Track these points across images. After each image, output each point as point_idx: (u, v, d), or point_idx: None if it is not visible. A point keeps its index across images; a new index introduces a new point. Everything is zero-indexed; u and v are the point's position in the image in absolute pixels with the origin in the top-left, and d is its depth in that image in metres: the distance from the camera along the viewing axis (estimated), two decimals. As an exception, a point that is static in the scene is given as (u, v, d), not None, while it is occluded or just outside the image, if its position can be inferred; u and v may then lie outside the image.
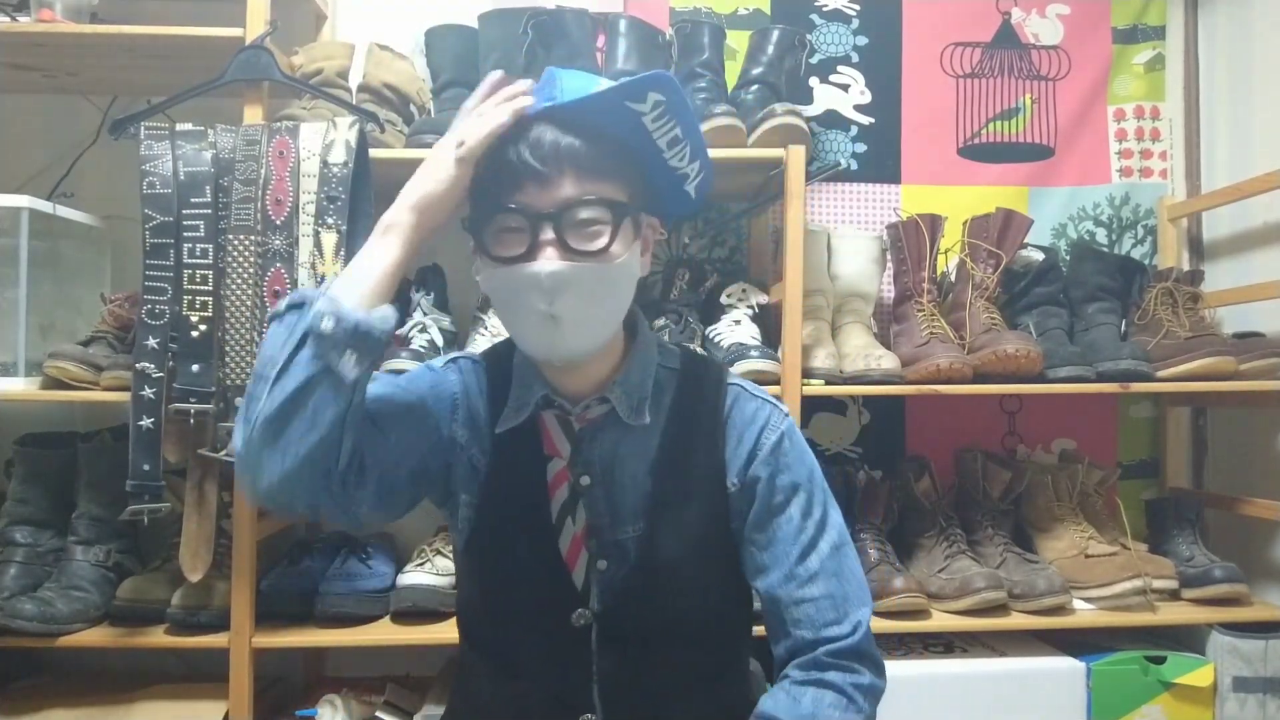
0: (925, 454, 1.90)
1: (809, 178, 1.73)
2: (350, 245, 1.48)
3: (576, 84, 0.99)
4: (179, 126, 1.51)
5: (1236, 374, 1.72)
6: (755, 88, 1.79)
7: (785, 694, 0.99)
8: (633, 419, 1.02)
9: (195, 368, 1.45)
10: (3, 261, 1.62)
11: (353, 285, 0.94)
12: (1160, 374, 1.74)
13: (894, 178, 2.06)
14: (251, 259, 1.46)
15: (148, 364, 1.44)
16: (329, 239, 1.47)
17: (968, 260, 1.84)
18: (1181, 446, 2.06)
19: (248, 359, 1.45)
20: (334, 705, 1.61)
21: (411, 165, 1.62)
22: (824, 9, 2.06)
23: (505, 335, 1.66)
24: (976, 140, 2.08)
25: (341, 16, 1.99)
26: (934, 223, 1.83)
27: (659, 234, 1.08)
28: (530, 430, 1.05)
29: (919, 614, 1.65)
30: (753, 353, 1.62)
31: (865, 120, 2.06)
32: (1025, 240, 1.86)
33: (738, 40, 1.97)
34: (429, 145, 1.62)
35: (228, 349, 1.45)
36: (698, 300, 1.80)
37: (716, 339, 1.73)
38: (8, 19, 1.63)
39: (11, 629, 1.51)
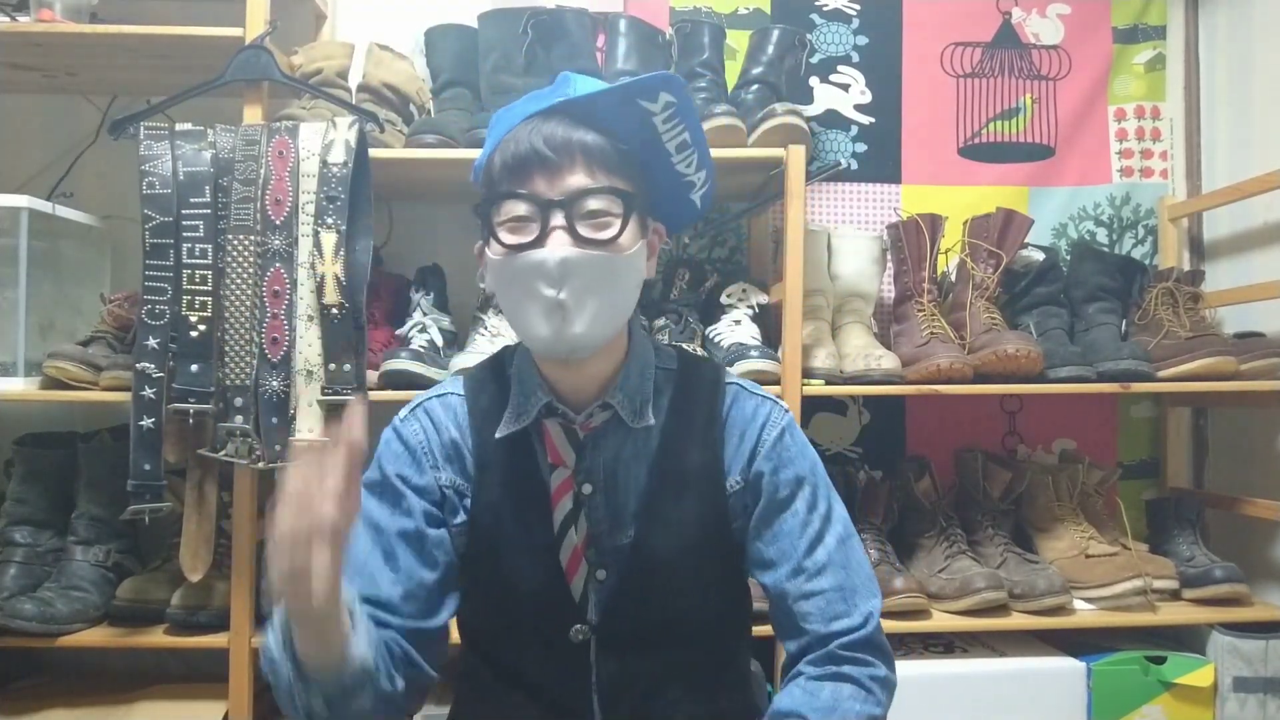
0: (925, 454, 1.89)
1: (809, 178, 1.73)
2: (349, 245, 1.48)
3: (591, 84, 1.00)
4: (179, 126, 1.51)
5: (1237, 374, 1.72)
6: (755, 87, 1.78)
7: (801, 690, 0.98)
8: (636, 421, 1.01)
9: (195, 368, 1.45)
10: (3, 261, 1.62)
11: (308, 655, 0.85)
12: (1161, 374, 1.74)
13: (894, 178, 2.06)
14: (251, 259, 1.46)
15: (148, 364, 1.44)
16: (328, 239, 1.47)
17: (968, 260, 1.84)
18: (1182, 446, 2.05)
19: (247, 359, 1.45)
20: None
21: (411, 165, 1.65)
22: (824, 9, 2.06)
23: (505, 336, 1.68)
24: (977, 140, 2.08)
25: (341, 16, 1.99)
26: (934, 223, 1.82)
27: (664, 240, 1.08)
28: (532, 439, 1.03)
29: (919, 614, 1.65)
30: (753, 353, 1.62)
31: (865, 120, 2.06)
32: (1026, 240, 1.86)
33: (738, 40, 1.97)
34: (429, 145, 1.63)
35: (227, 349, 1.45)
36: (698, 300, 1.80)
37: (716, 339, 1.73)
38: (8, 19, 1.63)
39: (11, 629, 1.51)
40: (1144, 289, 1.89)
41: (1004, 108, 2.09)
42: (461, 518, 1.03)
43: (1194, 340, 1.75)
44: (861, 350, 1.71)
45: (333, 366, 1.46)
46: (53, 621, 1.52)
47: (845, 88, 2.06)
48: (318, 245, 1.47)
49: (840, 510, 1.05)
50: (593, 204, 0.95)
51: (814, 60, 2.00)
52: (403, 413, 1.07)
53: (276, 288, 1.46)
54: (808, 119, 1.75)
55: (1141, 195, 2.09)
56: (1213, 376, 1.72)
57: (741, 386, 1.08)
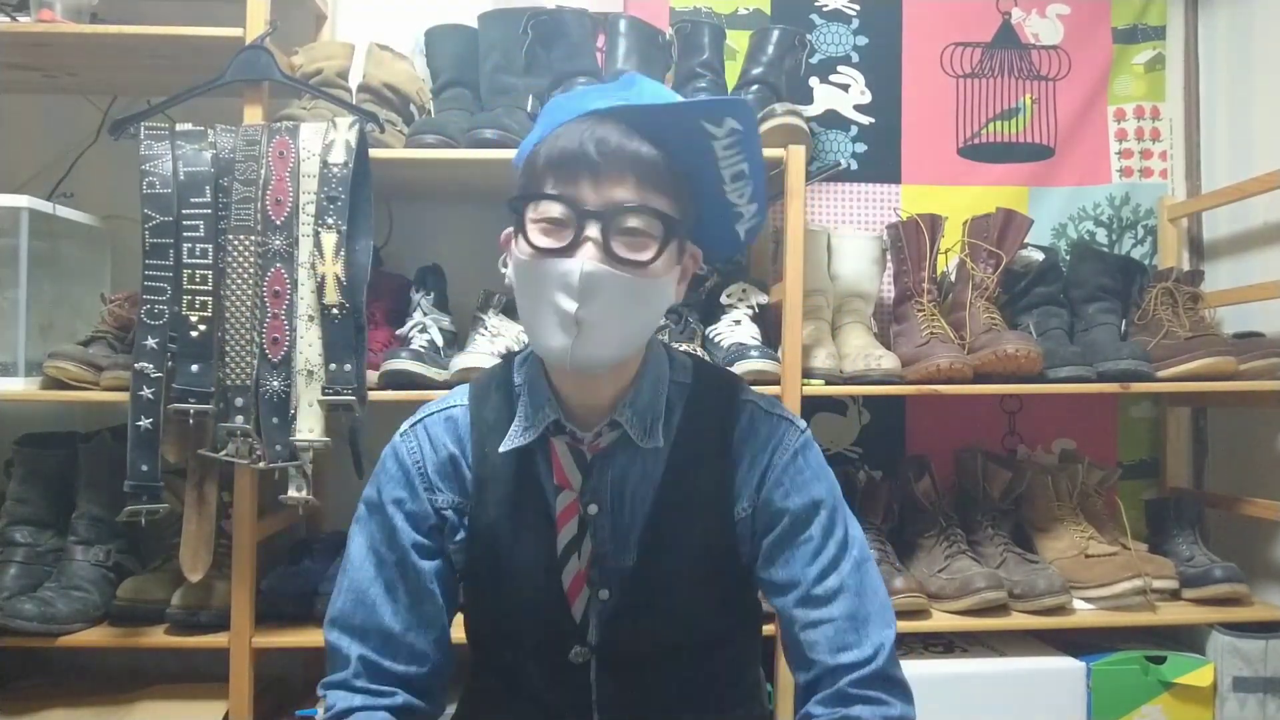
0: (925, 454, 1.89)
1: (809, 178, 1.73)
2: (350, 245, 1.48)
3: (655, 91, 0.95)
4: (179, 126, 1.51)
5: (1236, 374, 1.72)
6: (755, 88, 1.79)
7: None
8: (645, 441, 0.97)
9: (195, 368, 1.45)
10: (3, 261, 1.62)
11: None
12: (1160, 374, 1.74)
13: (894, 178, 2.06)
14: (251, 259, 1.46)
15: (146, 364, 1.44)
16: (329, 239, 1.47)
17: (968, 260, 1.84)
18: (1181, 446, 2.05)
19: (248, 359, 1.45)
20: (334, 705, 1.61)
21: (411, 165, 1.65)
22: (824, 9, 2.06)
23: (506, 336, 1.68)
24: (976, 140, 2.08)
25: (341, 16, 1.99)
26: (934, 223, 1.83)
27: (699, 266, 1.03)
28: (536, 456, 0.99)
29: (919, 614, 1.65)
30: (753, 353, 1.62)
31: (865, 120, 2.06)
32: (1025, 240, 1.86)
33: (738, 40, 1.97)
34: (429, 145, 1.63)
35: (227, 349, 1.45)
36: (698, 300, 1.80)
37: (716, 339, 1.73)
38: (8, 19, 1.63)
39: (11, 629, 1.51)
40: (1144, 289, 1.89)
41: (1004, 108, 2.09)
42: (461, 535, 1.00)
43: (1194, 340, 1.75)
44: (861, 350, 1.71)
45: (333, 366, 1.46)
46: (53, 621, 1.52)
47: (845, 88, 2.06)
48: (318, 245, 1.47)
49: (857, 533, 1.00)
50: (633, 221, 0.89)
51: (814, 60, 2.00)
52: (404, 427, 1.04)
53: (277, 288, 1.46)
54: (808, 119, 1.75)
55: (1141, 195, 2.09)
56: (1212, 376, 1.72)
57: (757, 405, 1.03)
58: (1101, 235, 2.08)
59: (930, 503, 1.81)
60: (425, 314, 1.74)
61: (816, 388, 1.66)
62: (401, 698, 0.96)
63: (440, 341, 1.70)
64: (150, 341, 1.44)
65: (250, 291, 1.45)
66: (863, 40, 2.07)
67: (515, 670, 1.03)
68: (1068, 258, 1.96)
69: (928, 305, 1.79)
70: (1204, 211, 2.05)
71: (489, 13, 1.78)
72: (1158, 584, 1.71)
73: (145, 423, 1.44)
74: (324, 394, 1.46)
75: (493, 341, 1.65)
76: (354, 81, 1.76)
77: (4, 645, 1.53)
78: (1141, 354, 1.73)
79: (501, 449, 0.98)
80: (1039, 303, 1.86)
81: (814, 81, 2.05)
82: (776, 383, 1.61)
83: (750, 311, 1.77)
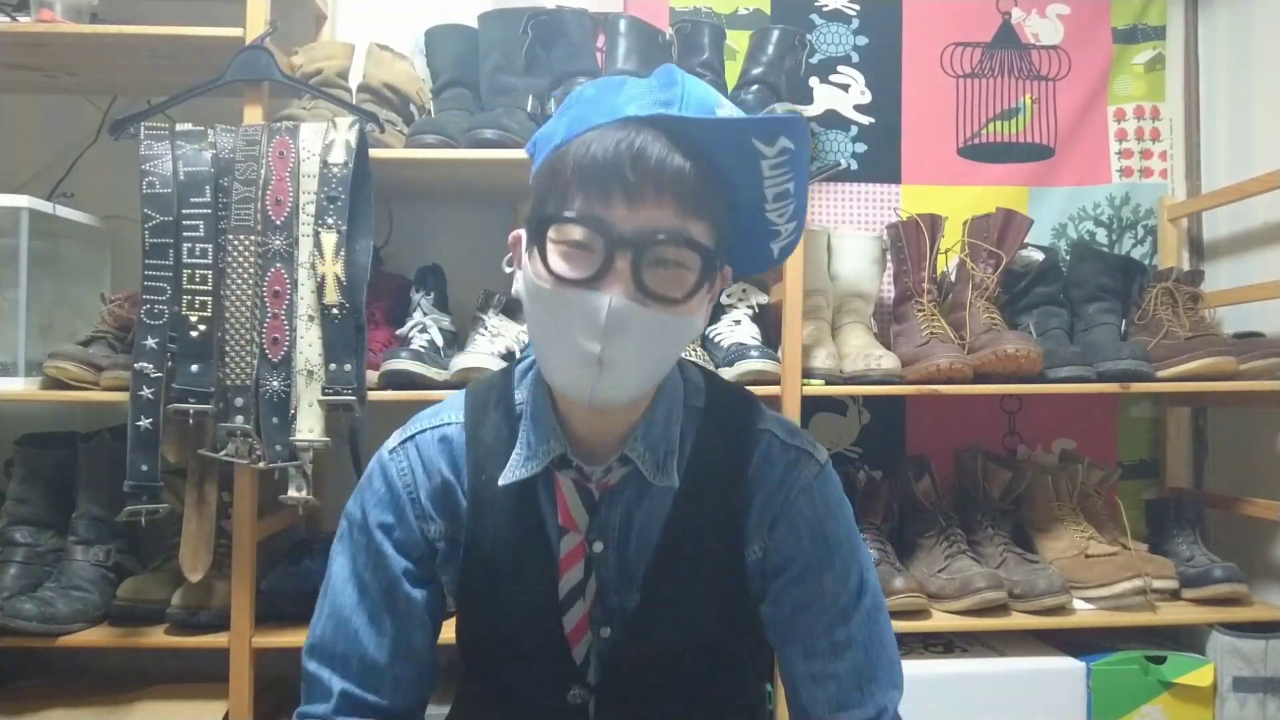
0: (925, 454, 1.89)
1: (809, 178, 1.73)
2: (350, 245, 1.48)
3: (700, 95, 0.83)
4: (179, 126, 1.51)
5: (1236, 374, 1.72)
6: (755, 88, 1.78)
7: None
8: (659, 479, 0.89)
9: (194, 368, 1.45)
10: (3, 261, 1.62)
11: None
12: (1160, 374, 1.74)
13: (894, 178, 2.06)
14: (251, 259, 1.46)
15: (146, 364, 1.44)
16: (329, 239, 1.47)
17: (968, 260, 1.84)
18: (1181, 446, 2.05)
19: (248, 359, 1.45)
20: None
21: (411, 165, 1.65)
22: (824, 9, 2.06)
23: (505, 336, 1.68)
24: (976, 140, 2.08)
25: (341, 16, 1.99)
26: (934, 223, 1.83)
27: (726, 284, 0.95)
28: (539, 491, 0.92)
29: (919, 614, 1.65)
30: (753, 353, 1.63)
31: (865, 120, 2.06)
32: (1025, 240, 1.86)
33: (738, 40, 1.97)
34: (429, 145, 1.63)
35: (227, 349, 1.45)
36: (698, 300, 1.79)
37: (716, 339, 1.73)
38: (8, 19, 1.63)
39: (11, 629, 1.51)
40: (1144, 289, 1.89)
41: (1004, 108, 2.09)
42: (455, 565, 0.94)
43: (1194, 340, 1.75)
44: (861, 350, 1.71)
45: (333, 366, 1.46)
46: (53, 621, 1.52)
47: (845, 88, 2.06)
48: (318, 245, 1.47)
49: (871, 579, 0.93)
50: (670, 253, 0.80)
51: (814, 60, 2.00)
52: (392, 441, 0.96)
53: (277, 288, 1.46)
54: (808, 119, 1.75)
55: (1141, 195, 2.09)
56: (1212, 376, 1.72)
57: (774, 435, 0.94)
58: (1101, 235, 2.08)
59: (930, 503, 1.81)
60: (425, 314, 1.74)
61: (816, 388, 1.66)
62: None
63: (440, 341, 1.70)
64: (150, 341, 1.44)
65: (250, 291, 1.45)
66: (863, 40, 2.07)
67: (510, 701, 0.98)
68: (1068, 258, 1.96)
69: (928, 305, 1.79)
70: (1204, 211, 2.05)
71: (489, 13, 1.78)
72: (1158, 584, 1.71)
73: (145, 423, 1.44)
74: (324, 394, 1.46)
75: (493, 341, 1.65)
76: (354, 81, 1.76)
77: (4, 645, 1.53)
78: (1141, 354, 1.73)
79: (501, 481, 0.90)
80: (1039, 303, 1.86)
81: (814, 81, 2.05)
82: (776, 383, 1.61)
83: (750, 311, 1.77)
